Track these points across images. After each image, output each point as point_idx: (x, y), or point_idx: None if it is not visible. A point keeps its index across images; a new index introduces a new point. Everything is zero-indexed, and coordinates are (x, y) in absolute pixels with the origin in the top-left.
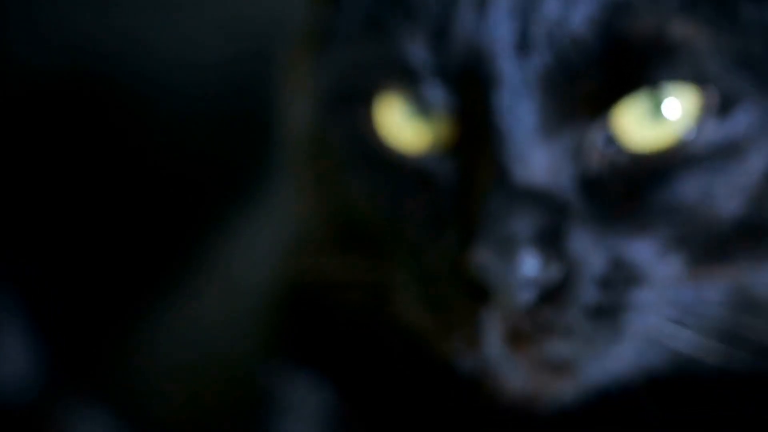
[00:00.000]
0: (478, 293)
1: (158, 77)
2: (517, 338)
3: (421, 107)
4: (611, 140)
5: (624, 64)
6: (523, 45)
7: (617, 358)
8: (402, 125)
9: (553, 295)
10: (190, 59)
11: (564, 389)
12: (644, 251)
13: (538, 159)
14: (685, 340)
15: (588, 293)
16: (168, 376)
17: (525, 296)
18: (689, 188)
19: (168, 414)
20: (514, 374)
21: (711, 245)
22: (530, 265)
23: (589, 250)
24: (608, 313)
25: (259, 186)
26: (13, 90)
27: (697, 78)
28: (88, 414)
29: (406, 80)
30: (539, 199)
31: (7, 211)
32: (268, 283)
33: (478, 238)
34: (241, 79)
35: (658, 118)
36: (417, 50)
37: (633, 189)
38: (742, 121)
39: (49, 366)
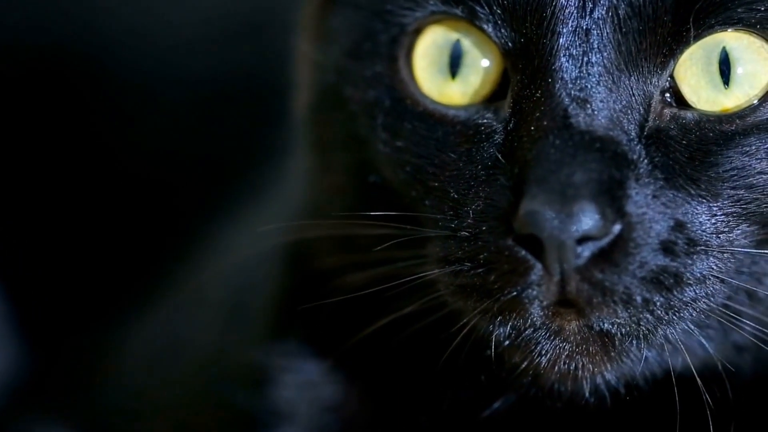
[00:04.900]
0: (529, 247)
1: (143, 58)
2: (565, 302)
3: (473, 49)
4: (677, 95)
5: (696, 9)
6: None
7: (671, 340)
8: (442, 73)
9: (610, 255)
10: (181, 40)
11: (609, 371)
12: (707, 217)
13: (601, 105)
14: (748, 323)
15: (647, 257)
16: (148, 389)
17: (581, 253)
18: (757, 154)
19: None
20: (556, 347)
21: None
22: (590, 218)
23: (651, 210)
24: (667, 282)
25: (257, 173)
26: None
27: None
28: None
29: (458, 14)
30: (601, 147)
31: None
32: (270, 263)
33: (534, 184)
34: (236, 60)
35: (725, 78)
36: None
37: (698, 149)
38: None
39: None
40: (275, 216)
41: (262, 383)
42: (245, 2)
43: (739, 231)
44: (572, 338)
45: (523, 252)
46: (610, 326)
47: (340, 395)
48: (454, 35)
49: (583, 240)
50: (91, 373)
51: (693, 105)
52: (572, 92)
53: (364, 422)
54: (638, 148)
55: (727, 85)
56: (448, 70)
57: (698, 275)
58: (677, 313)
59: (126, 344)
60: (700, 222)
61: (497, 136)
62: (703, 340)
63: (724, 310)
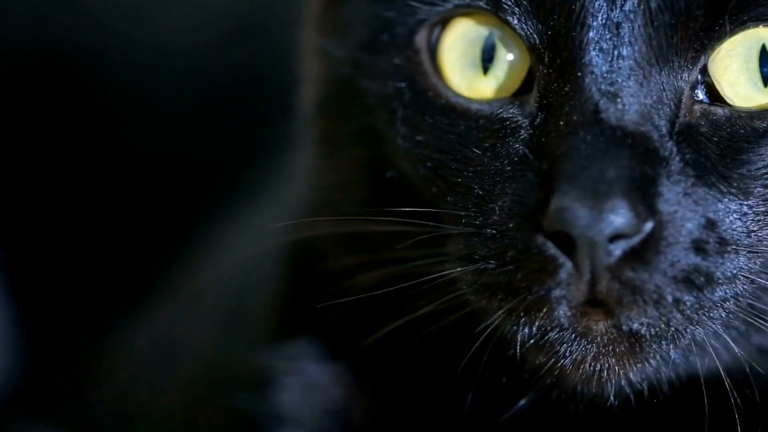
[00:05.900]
0: (559, 244)
1: (142, 58)
2: (593, 302)
3: (498, 42)
4: (710, 89)
5: (731, 5)
6: None
7: (699, 341)
8: (473, 67)
9: (641, 253)
10: (180, 39)
11: (635, 372)
12: (738, 216)
13: (632, 100)
14: None
15: (679, 255)
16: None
17: (612, 251)
18: None
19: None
20: (583, 348)
21: None
22: (622, 216)
23: (683, 208)
24: (698, 281)
25: (258, 172)
26: None
27: None
28: None
29: (482, 7)
30: (633, 143)
31: None
32: (272, 263)
33: (565, 180)
34: (235, 59)
35: (761, 73)
36: None
37: (728, 146)
38: None
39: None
40: (277, 215)
41: (265, 386)
42: (244, 1)
43: None
44: (599, 339)
45: (553, 250)
46: (639, 326)
47: (344, 399)
48: (484, 29)
49: (614, 238)
50: (90, 375)
51: (729, 101)
52: (602, 86)
53: (368, 426)
54: (669, 144)
55: (766, 81)
56: (481, 65)
57: (729, 275)
58: (707, 313)
59: (125, 346)
60: (731, 221)
61: (523, 131)
62: (729, 341)
63: (751, 311)
